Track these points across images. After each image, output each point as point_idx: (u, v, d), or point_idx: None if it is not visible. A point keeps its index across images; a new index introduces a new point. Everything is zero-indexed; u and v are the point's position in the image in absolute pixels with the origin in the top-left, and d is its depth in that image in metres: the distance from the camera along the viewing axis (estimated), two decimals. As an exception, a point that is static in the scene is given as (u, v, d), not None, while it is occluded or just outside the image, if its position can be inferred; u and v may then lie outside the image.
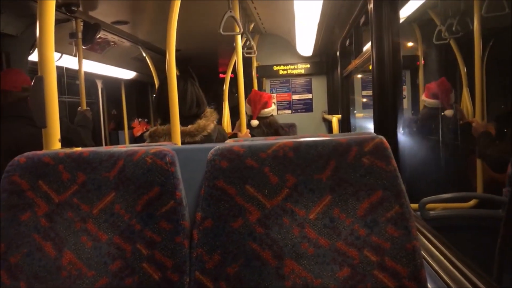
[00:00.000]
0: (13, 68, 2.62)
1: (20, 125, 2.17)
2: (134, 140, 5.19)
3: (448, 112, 2.67)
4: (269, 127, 3.24)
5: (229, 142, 1.04)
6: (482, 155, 2.38)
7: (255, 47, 3.61)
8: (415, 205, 1.89)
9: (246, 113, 3.11)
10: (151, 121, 5.92)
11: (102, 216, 0.97)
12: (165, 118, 1.93)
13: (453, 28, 2.72)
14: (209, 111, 2.04)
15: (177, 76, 1.89)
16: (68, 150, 1.05)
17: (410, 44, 3.76)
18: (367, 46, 2.93)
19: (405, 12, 2.83)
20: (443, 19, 2.91)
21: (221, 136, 2.04)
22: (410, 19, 3.23)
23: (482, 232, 1.81)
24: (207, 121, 1.97)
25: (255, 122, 3.19)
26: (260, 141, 1.00)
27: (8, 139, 2.14)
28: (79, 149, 1.06)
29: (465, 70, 3.17)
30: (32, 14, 2.61)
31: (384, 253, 0.87)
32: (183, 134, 1.88)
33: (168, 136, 1.89)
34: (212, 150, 0.97)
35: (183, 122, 1.89)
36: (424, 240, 1.44)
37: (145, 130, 5.18)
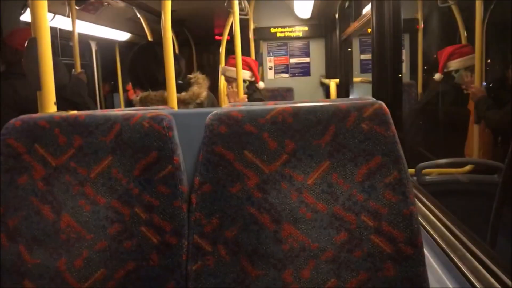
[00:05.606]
0: (22, 27, 2.57)
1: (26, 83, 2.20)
2: (129, 103, 5.14)
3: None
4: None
5: (228, 107, 1.03)
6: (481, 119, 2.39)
7: (248, 8, 3.50)
8: (411, 170, 1.90)
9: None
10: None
11: (99, 180, 0.97)
12: (153, 85, 1.81)
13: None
14: (201, 77, 1.92)
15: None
16: (64, 113, 1.03)
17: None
18: (367, 9, 2.88)
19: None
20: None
21: (211, 105, 1.96)
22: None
23: (477, 197, 1.83)
24: (200, 89, 1.87)
25: (263, 84, 3.25)
26: (258, 106, 0.99)
27: (16, 97, 2.18)
28: (75, 112, 1.04)
29: (466, 34, 3.14)
30: (23, -28, 2.53)
31: (381, 218, 0.87)
32: (177, 101, 1.76)
33: (161, 102, 1.77)
34: (210, 115, 0.96)
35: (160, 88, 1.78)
36: (420, 205, 1.46)
37: (139, 93, 5.12)
